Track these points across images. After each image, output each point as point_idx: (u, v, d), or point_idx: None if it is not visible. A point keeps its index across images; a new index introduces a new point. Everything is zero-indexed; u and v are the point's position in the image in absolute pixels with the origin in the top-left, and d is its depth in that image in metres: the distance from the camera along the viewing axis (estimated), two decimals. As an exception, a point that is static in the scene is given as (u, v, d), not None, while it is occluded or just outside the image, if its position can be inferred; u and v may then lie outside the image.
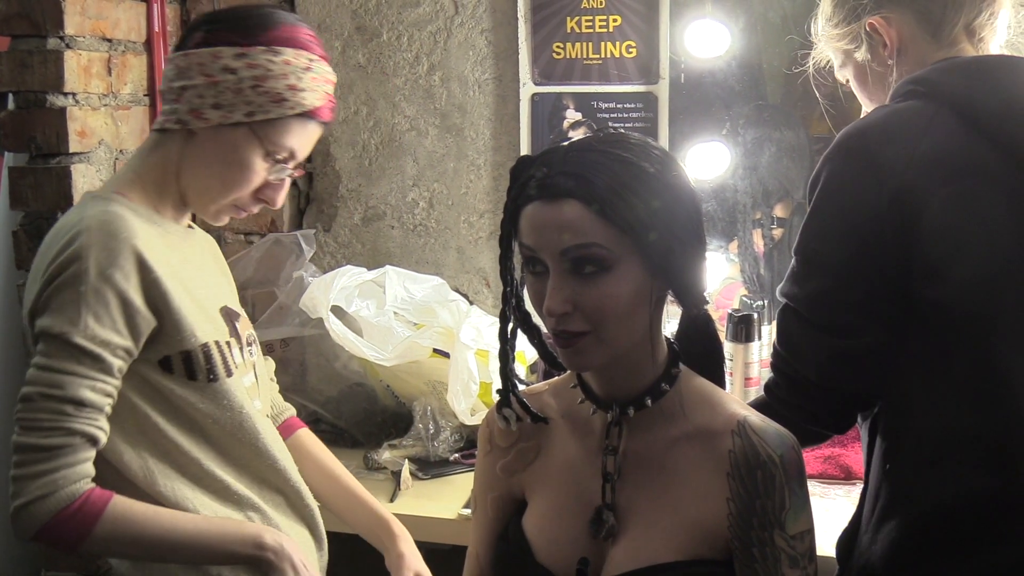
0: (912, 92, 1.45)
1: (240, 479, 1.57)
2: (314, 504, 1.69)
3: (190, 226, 1.67)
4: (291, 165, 1.59)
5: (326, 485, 1.79)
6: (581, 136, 1.29)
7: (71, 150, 2.14)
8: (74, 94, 2.15)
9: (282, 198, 1.62)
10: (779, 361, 1.52)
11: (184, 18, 2.58)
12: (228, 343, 1.57)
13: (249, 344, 1.67)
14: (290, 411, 1.85)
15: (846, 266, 1.41)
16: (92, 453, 1.42)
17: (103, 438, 1.43)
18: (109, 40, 2.27)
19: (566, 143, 1.28)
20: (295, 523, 1.65)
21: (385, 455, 2.25)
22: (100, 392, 1.42)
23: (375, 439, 2.34)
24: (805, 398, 1.49)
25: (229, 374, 1.55)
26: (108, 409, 1.44)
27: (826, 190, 1.44)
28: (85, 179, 2.17)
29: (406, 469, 2.18)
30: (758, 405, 1.48)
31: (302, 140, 1.58)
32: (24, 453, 1.39)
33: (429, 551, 2.52)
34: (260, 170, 1.56)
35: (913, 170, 1.37)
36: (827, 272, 1.44)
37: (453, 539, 2.00)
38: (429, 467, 2.24)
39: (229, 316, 1.62)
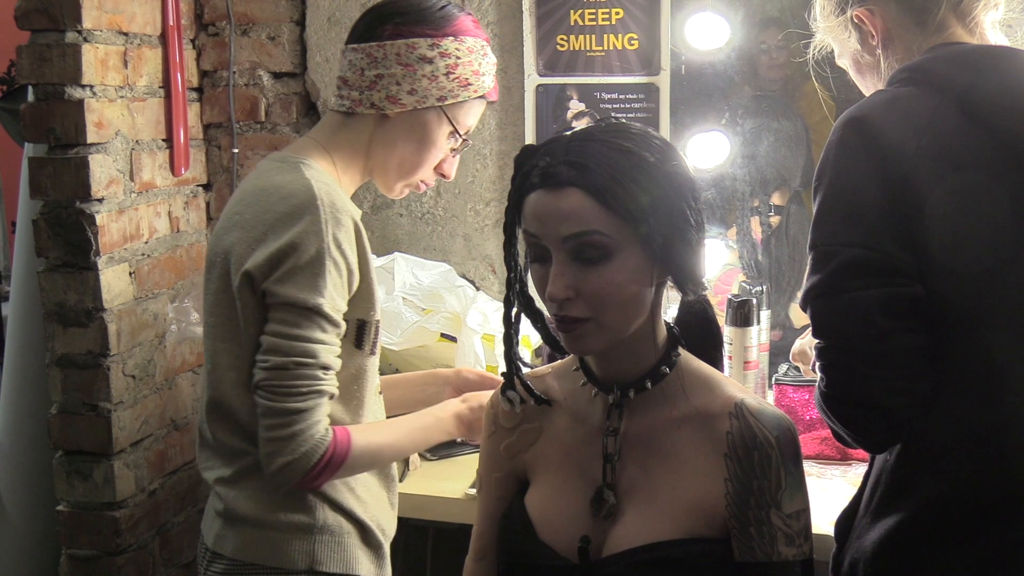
0: (909, 80, 1.42)
1: None
2: (396, 476, 1.76)
3: None
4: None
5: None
6: (584, 126, 1.29)
7: (89, 141, 2.14)
8: (91, 86, 2.15)
9: (455, 170, 1.77)
10: (824, 358, 1.39)
11: (198, 12, 2.57)
12: (379, 321, 1.66)
13: None
14: None
15: (862, 240, 1.35)
16: (330, 406, 1.55)
17: (337, 392, 1.56)
18: (125, 34, 2.26)
19: (569, 132, 1.28)
20: (382, 488, 1.71)
21: (394, 436, 2.25)
22: (337, 354, 1.55)
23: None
24: (854, 407, 1.38)
25: (374, 352, 1.65)
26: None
27: (833, 182, 1.39)
28: (102, 169, 2.17)
29: (414, 450, 2.18)
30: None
31: (476, 118, 1.74)
32: (281, 416, 1.50)
33: (437, 529, 2.53)
34: (445, 148, 1.70)
35: (918, 159, 1.34)
36: (842, 252, 1.35)
37: (460, 518, 2.01)
38: (436, 448, 2.23)
39: None
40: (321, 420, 1.51)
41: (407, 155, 1.67)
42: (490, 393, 1.51)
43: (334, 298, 1.52)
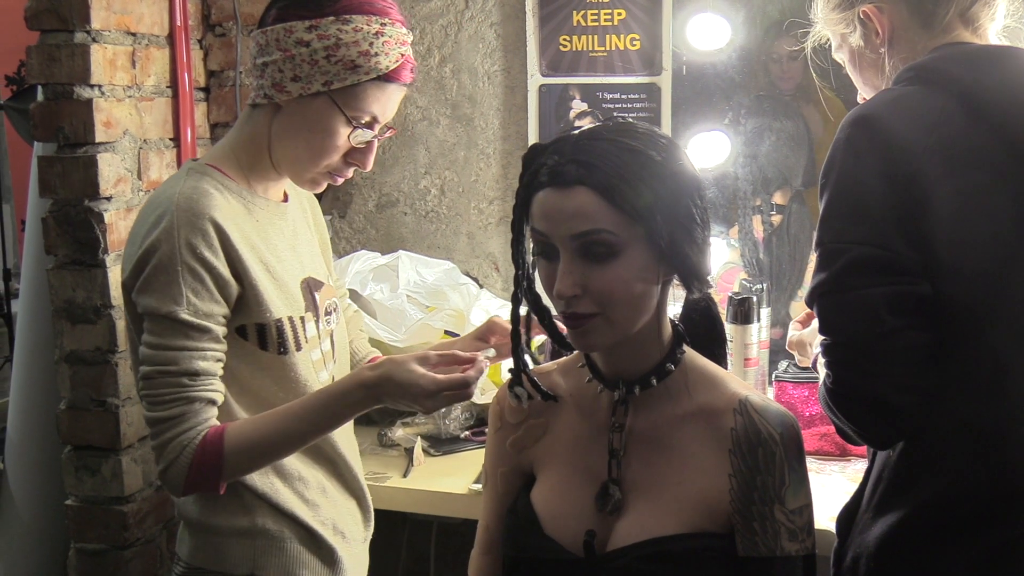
0: (915, 78, 1.41)
1: None
2: (363, 478, 1.71)
3: (285, 197, 1.68)
4: (376, 129, 1.58)
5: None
6: (590, 125, 1.28)
7: (97, 140, 2.14)
8: (100, 86, 2.15)
9: (371, 160, 1.61)
10: (831, 355, 1.37)
11: (205, 12, 2.57)
12: (303, 318, 1.59)
13: (328, 313, 1.68)
14: (374, 353, 1.88)
15: (870, 238, 1.34)
16: (214, 412, 1.47)
17: (220, 398, 1.49)
18: (133, 34, 2.26)
19: (577, 131, 1.27)
20: (345, 495, 1.68)
21: (399, 433, 2.25)
22: (211, 359, 1.47)
23: (389, 417, 2.34)
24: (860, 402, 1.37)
25: (299, 348, 1.57)
26: (221, 371, 1.50)
27: (841, 181, 1.37)
28: (111, 167, 2.17)
29: (419, 446, 2.18)
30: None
31: (382, 103, 1.56)
32: (154, 426, 1.46)
33: (441, 525, 2.53)
34: (345, 136, 1.55)
35: (926, 158, 1.33)
36: (850, 250, 1.34)
37: (464, 513, 2.01)
38: (441, 444, 2.24)
39: (310, 288, 1.64)
40: (198, 426, 1.44)
41: (300, 146, 1.56)
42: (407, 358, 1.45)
43: (193, 303, 1.45)
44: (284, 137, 1.56)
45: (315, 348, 1.62)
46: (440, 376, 1.44)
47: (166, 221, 1.45)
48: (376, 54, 1.52)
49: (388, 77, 1.54)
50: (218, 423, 1.47)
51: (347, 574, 1.66)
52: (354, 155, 1.59)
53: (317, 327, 1.63)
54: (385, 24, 1.53)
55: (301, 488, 1.60)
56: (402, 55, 1.55)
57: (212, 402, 1.47)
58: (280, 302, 1.55)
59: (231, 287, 1.49)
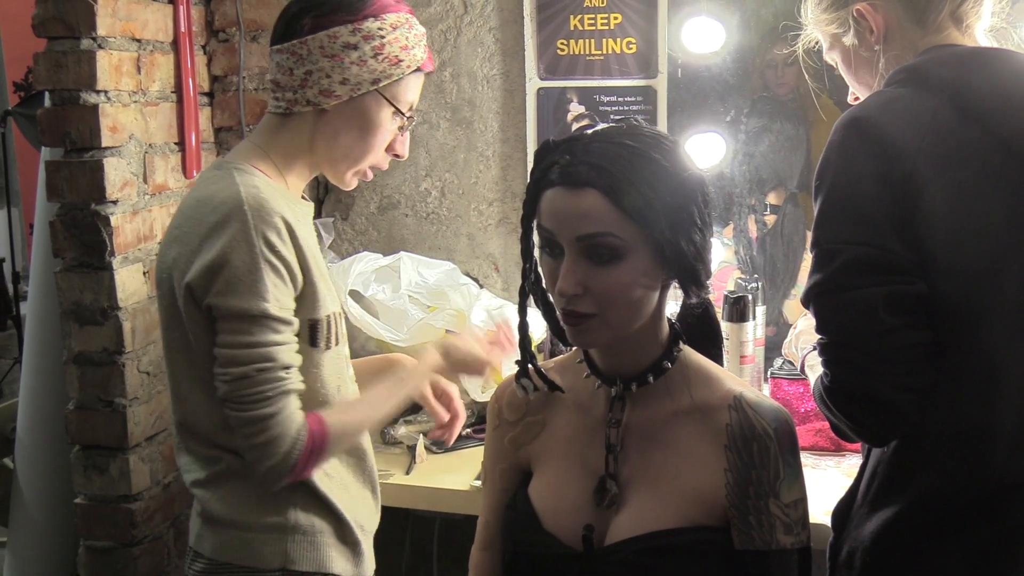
0: (906, 80, 1.41)
1: None
2: (375, 470, 1.73)
3: (303, 197, 1.69)
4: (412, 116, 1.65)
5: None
6: (603, 126, 1.28)
7: (103, 144, 2.14)
8: (106, 91, 2.15)
9: (408, 148, 1.69)
10: (828, 354, 1.37)
11: (208, 19, 2.57)
12: (340, 314, 1.62)
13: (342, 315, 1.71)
14: None
15: (866, 238, 1.33)
16: (299, 401, 1.50)
17: (303, 387, 1.52)
18: (138, 40, 2.26)
19: (589, 132, 1.26)
20: (363, 488, 1.69)
21: (401, 430, 2.25)
22: (295, 351, 1.51)
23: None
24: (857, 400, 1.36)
25: (337, 343, 1.60)
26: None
27: (836, 182, 1.37)
28: (117, 172, 2.17)
29: (421, 443, 2.18)
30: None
31: (417, 92, 1.65)
32: (254, 425, 1.46)
33: (443, 520, 2.53)
34: (391, 128, 1.62)
35: (920, 158, 1.32)
36: (846, 250, 1.34)
37: (466, 509, 2.01)
38: (442, 442, 2.23)
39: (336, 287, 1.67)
40: (293, 418, 1.47)
41: (352, 144, 1.60)
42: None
43: (278, 298, 1.47)
44: (331, 138, 1.59)
45: (344, 344, 1.66)
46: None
47: (237, 221, 1.46)
48: (412, 47, 1.59)
49: (422, 67, 1.63)
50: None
51: (366, 566, 1.68)
52: (393, 146, 1.66)
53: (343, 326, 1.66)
54: (408, 18, 1.61)
55: (329, 483, 1.61)
56: (426, 45, 1.64)
57: (299, 392, 1.50)
58: (328, 298, 1.58)
59: (299, 282, 1.52)
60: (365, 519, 1.68)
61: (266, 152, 1.59)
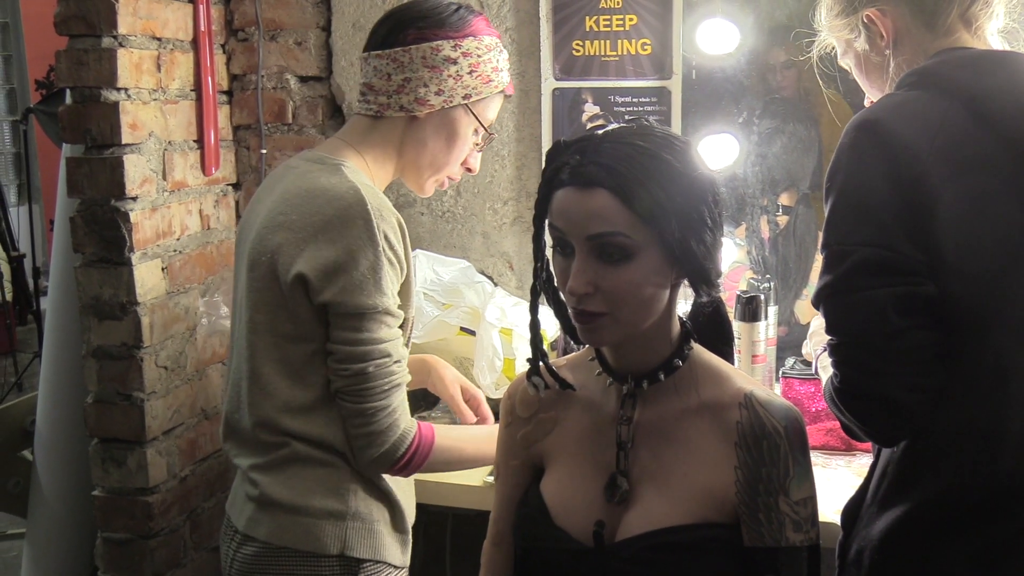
0: (917, 83, 1.40)
1: None
2: None
3: None
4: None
5: None
6: (614, 126, 1.28)
7: (123, 141, 2.15)
8: (126, 89, 2.16)
9: (479, 163, 1.79)
10: (838, 354, 1.37)
11: (228, 18, 2.58)
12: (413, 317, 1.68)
13: None
14: None
15: (876, 240, 1.33)
16: (405, 392, 1.59)
17: (410, 378, 1.61)
18: (158, 39, 2.27)
19: (600, 132, 1.27)
20: (408, 481, 1.72)
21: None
22: (403, 344, 1.59)
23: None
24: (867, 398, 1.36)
25: (409, 344, 1.66)
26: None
27: (846, 184, 1.37)
28: (136, 168, 2.18)
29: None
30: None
31: (496, 113, 1.76)
32: (367, 416, 1.54)
33: (456, 516, 2.53)
34: (472, 143, 1.72)
35: (931, 161, 1.32)
36: (856, 251, 1.34)
37: (478, 505, 2.01)
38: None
39: None
40: (402, 410, 1.56)
41: (437, 152, 1.69)
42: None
43: (393, 293, 1.54)
44: (419, 145, 1.68)
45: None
46: None
47: (361, 219, 1.51)
48: (502, 69, 1.72)
49: (505, 90, 1.74)
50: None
51: (409, 556, 1.71)
52: (468, 160, 1.75)
53: None
54: (500, 44, 1.72)
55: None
56: (510, 70, 1.76)
57: (408, 382, 1.59)
58: (415, 299, 1.65)
59: (404, 281, 1.59)
60: (410, 511, 1.71)
61: (359, 151, 1.66)
